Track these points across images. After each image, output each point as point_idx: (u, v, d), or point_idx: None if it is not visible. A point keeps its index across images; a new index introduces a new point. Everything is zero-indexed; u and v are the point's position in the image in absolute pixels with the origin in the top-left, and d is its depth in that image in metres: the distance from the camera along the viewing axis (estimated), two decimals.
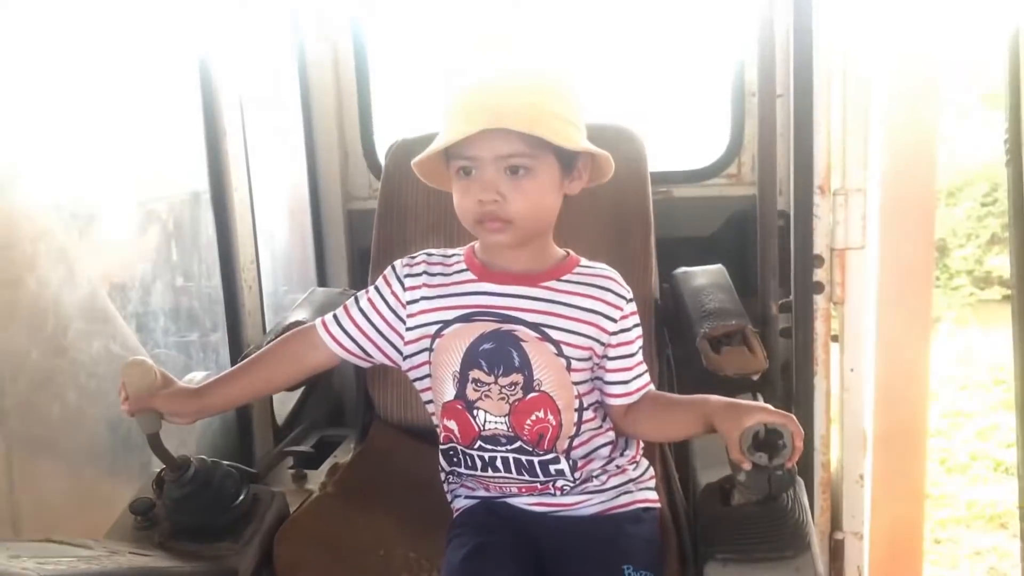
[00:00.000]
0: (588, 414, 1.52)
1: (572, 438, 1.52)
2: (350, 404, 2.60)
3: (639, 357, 1.56)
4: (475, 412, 1.49)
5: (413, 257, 1.57)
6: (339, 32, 2.66)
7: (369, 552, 1.63)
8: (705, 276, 2.05)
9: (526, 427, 1.48)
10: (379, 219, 2.14)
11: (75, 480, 1.74)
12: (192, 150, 2.18)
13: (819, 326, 1.98)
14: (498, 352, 1.46)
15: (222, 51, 2.16)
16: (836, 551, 2.05)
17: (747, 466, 1.37)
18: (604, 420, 1.57)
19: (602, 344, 1.51)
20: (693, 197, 2.56)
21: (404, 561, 1.61)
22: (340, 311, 1.59)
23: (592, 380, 1.53)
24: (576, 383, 1.49)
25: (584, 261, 1.55)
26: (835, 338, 2.08)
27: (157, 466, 1.76)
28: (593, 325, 1.49)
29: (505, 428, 1.49)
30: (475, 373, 1.47)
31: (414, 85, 2.76)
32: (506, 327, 1.47)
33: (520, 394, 1.47)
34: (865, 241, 1.95)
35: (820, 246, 1.96)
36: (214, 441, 2.15)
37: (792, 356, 2.02)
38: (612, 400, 1.55)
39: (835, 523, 2.09)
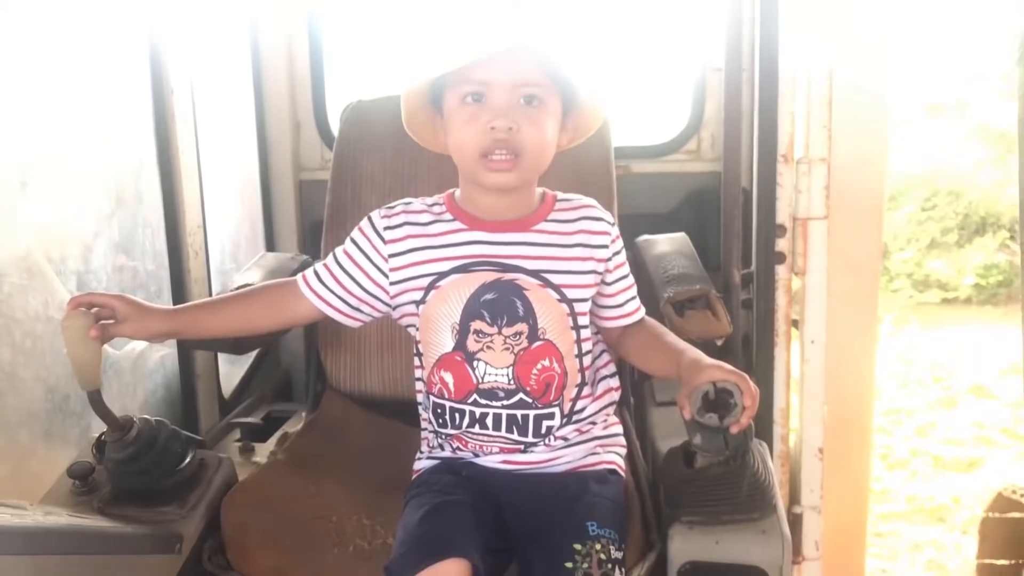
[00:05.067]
0: (587, 360, 1.50)
1: (580, 386, 1.49)
2: (298, 379, 2.55)
3: (631, 279, 1.56)
4: (475, 364, 1.45)
5: (391, 207, 1.50)
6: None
7: (321, 518, 1.58)
8: (668, 243, 2.03)
9: (532, 377, 1.45)
10: (332, 184, 2.09)
11: (8, 442, 1.64)
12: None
13: (780, 297, 1.97)
14: (501, 302, 1.43)
15: (171, 7, 2.08)
16: (794, 525, 2.03)
17: (687, 415, 1.35)
18: (598, 365, 1.55)
19: (599, 273, 1.49)
20: (652, 173, 2.55)
21: (358, 527, 1.57)
22: (321, 266, 1.52)
23: (590, 322, 1.51)
24: (579, 327, 1.47)
25: (560, 195, 1.52)
26: (795, 323, 2.07)
27: (97, 430, 1.69)
28: (590, 259, 1.47)
29: (506, 380, 1.45)
30: (477, 324, 1.43)
31: (370, 52, 2.70)
32: (507, 276, 1.43)
33: (525, 343, 1.44)
34: (828, 212, 1.95)
35: (783, 215, 1.95)
36: (157, 412, 2.06)
37: (752, 327, 2.01)
38: (606, 323, 1.55)
39: (793, 497, 2.08)
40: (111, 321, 1.41)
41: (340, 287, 1.50)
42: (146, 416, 1.55)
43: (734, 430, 1.35)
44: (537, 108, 1.37)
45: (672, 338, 1.54)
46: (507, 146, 1.36)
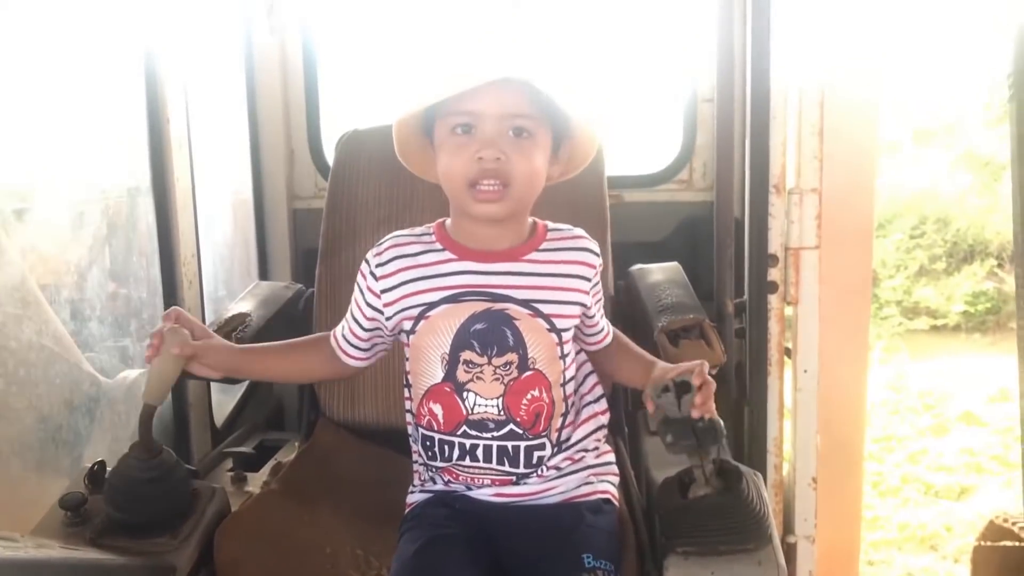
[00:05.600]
0: (570, 388, 1.51)
1: (564, 415, 1.50)
2: (291, 407, 2.53)
3: (602, 299, 1.59)
4: (465, 394, 1.45)
5: (381, 243, 1.51)
6: (288, 26, 2.60)
7: (315, 549, 1.58)
8: (661, 272, 2.05)
9: (522, 407, 1.45)
10: (327, 213, 2.09)
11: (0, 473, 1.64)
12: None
13: (773, 326, 1.98)
14: (491, 332, 1.43)
15: (168, 37, 2.09)
16: (788, 555, 2.03)
17: (651, 408, 1.39)
18: (582, 392, 1.57)
19: (584, 305, 1.50)
20: (644, 202, 2.56)
21: (352, 558, 1.57)
22: (343, 323, 1.57)
23: (573, 349, 1.52)
24: (564, 355, 1.48)
25: (551, 224, 1.53)
26: (788, 352, 2.08)
27: (89, 460, 1.68)
28: (577, 290, 1.48)
29: (496, 411, 1.45)
30: (467, 354, 1.43)
31: (363, 83, 2.72)
32: (497, 306, 1.43)
33: (515, 374, 1.44)
34: (819, 241, 1.96)
35: (775, 245, 1.96)
36: None
37: (746, 356, 2.01)
38: (593, 347, 1.59)
39: (787, 526, 2.08)
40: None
41: (352, 335, 1.54)
42: (169, 449, 1.55)
43: (694, 414, 1.36)
44: (526, 140, 1.37)
45: (639, 352, 1.61)
46: (495, 175, 1.36)
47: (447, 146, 1.39)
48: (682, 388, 1.37)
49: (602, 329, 1.58)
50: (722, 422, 1.40)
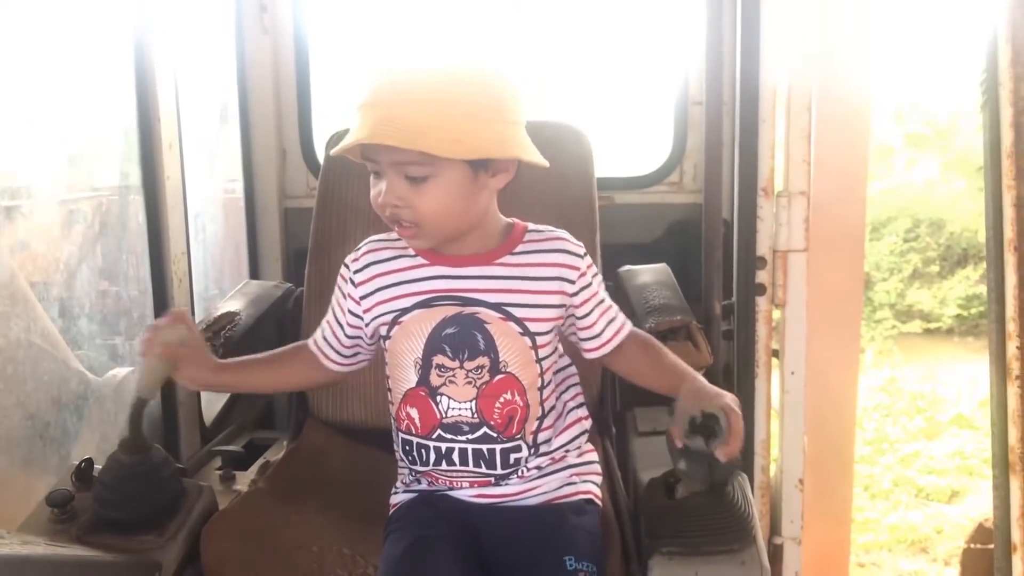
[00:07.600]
0: (547, 391, 1.50)
1: (540, 419, 1.49)
2: (280, 406, 2.53)
3: (607, 303, 1.53)
4: (438, 398, 1.45)
5: (357, 249, 1.52)
6: (280, 24, 2.61)
7: (302, 548, 1.58)
8: (649, 274, 2.05)
9: (495, 411, 1.45)
10: (317, 213, 2.09)
11: None
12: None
13: (760, 328, 1.99)
14: (462, 336, 1.43)
15: (159, 34, 2.09)
16: (775, 556, 2.04)
17: (679, 444, 1.38)
18: (565, 399, 1.56)
19: (565, 307, 1.48)
20: (635, 204, 2.57)
21: (339, 557, 1.56)
22: (322, 328, 1.57)
23: (554, 353, 1.51)
24: (541, 359, 1.47)
25: (531, 226, 1.50)
26: (776, 353, 2.09)
27: (76, 458, 1.69)
28: (555, 293, 1.46)
29: (470, 414, 1.45)
30: (439, 359, 1.44)
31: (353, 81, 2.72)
32: (468, 310, 1.43)
33: (487, 377, 1.44)
34: (807, 244, 1.97)
35: (763, 248, 1.97)
36: None
37: (733, 358, 2.02)
38: (590, 353, 1.55)
39: (774, 528, 2.09)
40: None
41: (334, 337, 1.55)
42: (158, 445, 1.56)
43: (720, 456, 1.36)
44: (421, 183, 1.34)
45: (672, 359, 1.54)
46: (401, 219, 1.37)
47: (371, 183, 1.40)
48: (709, 423, 1.35)
49: (600, 333, 1.52)
50: (740, 459, 1.40)
